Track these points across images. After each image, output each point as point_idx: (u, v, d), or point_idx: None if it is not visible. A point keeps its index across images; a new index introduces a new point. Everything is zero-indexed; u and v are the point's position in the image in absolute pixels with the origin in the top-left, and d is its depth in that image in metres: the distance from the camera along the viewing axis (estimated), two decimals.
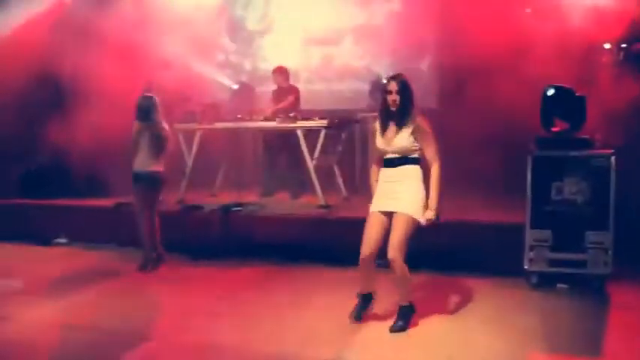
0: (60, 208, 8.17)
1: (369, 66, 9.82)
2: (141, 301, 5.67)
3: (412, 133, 4.56)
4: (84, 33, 8.61)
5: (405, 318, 4.67)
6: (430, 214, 4.56)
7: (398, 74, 4.69)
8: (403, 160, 4.59)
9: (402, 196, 4.54)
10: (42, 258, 7.32)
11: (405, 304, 4.68)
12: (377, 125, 4.73)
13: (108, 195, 8.25)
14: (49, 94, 8.80)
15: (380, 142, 4.67)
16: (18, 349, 4.52)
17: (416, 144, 4.58)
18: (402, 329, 4.63)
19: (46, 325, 4.99)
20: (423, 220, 4.56)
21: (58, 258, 7.30)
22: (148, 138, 6.46)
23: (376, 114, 4.87)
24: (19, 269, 6.77)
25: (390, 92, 4.57)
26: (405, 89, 4.57)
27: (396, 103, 4.55)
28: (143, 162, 6.46)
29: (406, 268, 4.55)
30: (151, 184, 6.49)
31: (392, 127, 4.62)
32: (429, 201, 4.56)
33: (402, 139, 4.56)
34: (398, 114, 4.58)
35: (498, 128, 7.43)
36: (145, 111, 6.46)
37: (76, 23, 8.77)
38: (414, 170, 4.59)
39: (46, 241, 7.89)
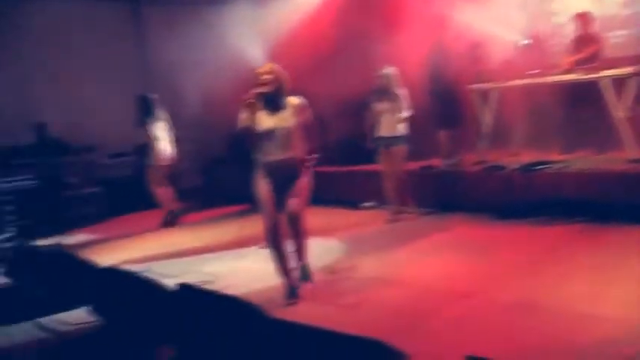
0: (368, 173, 8.74)
1: None
2: (455, 258, 5.88)
3: None
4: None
5: None
6: None
7: None
8: None
9: None
10: (355, 220, 8.09)
11: None
12: None
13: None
14: None
15: None
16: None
17: None
18: None
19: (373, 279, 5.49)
20: None
21: (370, 220, 7.97)
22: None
23: None
24: (340, 229, 7.54)
25: None
26: None
27: None
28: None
29: None
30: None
31: None
32: None
33: None
34: None
35: None
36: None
37: None
38: None
39: (354, 204, 8.70)
